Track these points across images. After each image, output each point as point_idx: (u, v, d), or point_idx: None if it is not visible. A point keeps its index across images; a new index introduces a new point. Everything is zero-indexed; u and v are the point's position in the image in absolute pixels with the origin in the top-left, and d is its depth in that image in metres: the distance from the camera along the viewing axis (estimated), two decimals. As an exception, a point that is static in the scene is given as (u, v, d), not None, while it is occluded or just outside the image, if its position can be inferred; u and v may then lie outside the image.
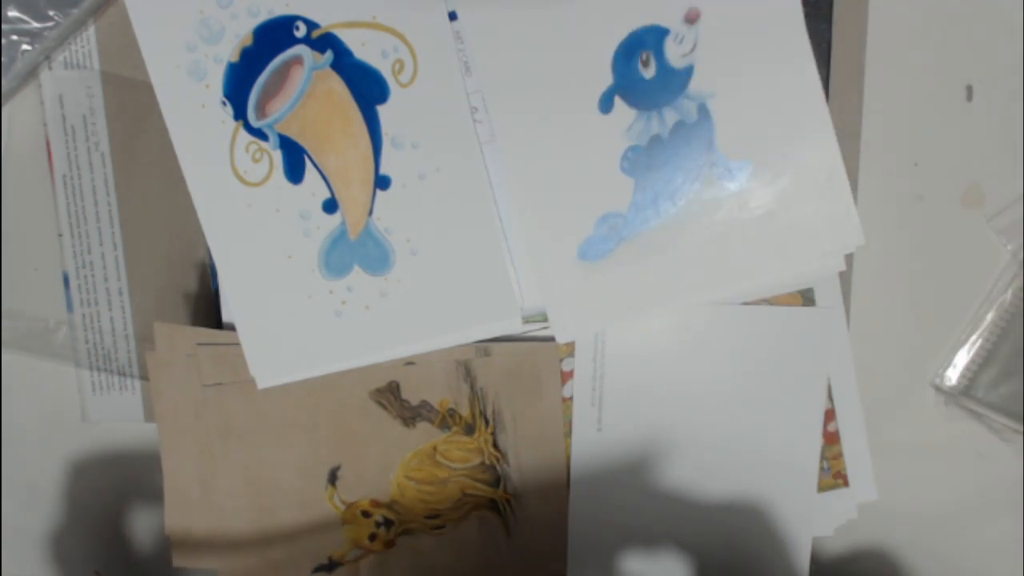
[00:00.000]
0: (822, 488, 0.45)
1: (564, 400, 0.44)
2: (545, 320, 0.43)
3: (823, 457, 0.45)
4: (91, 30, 0.43)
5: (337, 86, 0.41)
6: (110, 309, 0.45)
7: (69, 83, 0.44)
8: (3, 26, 0.41)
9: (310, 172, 0.42)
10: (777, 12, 0.39)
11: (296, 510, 0.45)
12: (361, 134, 0.41)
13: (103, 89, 0.44)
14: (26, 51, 0.42)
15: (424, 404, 0.44)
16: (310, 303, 0.43)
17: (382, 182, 0.42)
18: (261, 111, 0.41)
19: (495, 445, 0.45)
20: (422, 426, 0.44)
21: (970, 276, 0.45)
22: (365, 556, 0.46)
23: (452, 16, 0.40)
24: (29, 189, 0.45)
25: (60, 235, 0.45)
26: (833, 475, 0.45)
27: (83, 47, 0.44)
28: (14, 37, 0.41)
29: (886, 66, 0.43)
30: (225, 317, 0.44)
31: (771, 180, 0.40)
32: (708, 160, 0.40)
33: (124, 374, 0.46)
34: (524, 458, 0.45)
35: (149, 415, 0.46)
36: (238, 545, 0.46)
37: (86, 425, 0.47)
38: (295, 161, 0.42)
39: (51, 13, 0.42)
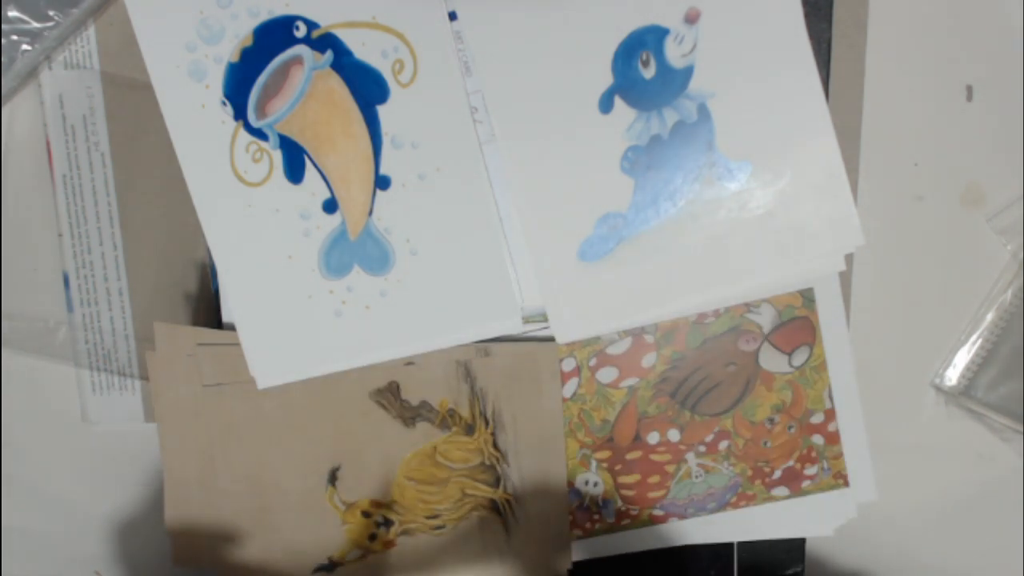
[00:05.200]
0: (822, 488, 0.45)
1: (564, 400, 0.44)
2: (545, 320, 0.43)
3: (823, 457, 0.45)
4: (91, 30, 0.43)
5: (337, 86, 0.41)
6: (110, 309, 0.45)
7: (69, 83, 0.44)
8: (3, 26, 0.41)
9: (310, 172, 0.42)
10: (777, 12, 0.39)
11: (296, 510, 0.45)
12: (361, 134, 0.41)
13: (103, 89, 0.44)
14: (26, 51, 0.42)
15: (424, 404, 0.44)
16: (310, 303, 0.43)
17: (382, 182, 0.42)
18: (261, 111, 0.41)
19: (495, 445, 0.45)
20: (422, 426, 0.44)
21: (970, 276, 0.45)
22: (365, 556, 0.46)
23: (452, 16, 0.40)
24: (29, 189, 0.45)
25: (60, 235, 0.45)
26: (833, 475, 0.45)
27: (83, 47, 0.44)
28: (14, 37, 0.41)
29: (886, 66, 0.43)
30: (225, 317, 0.44)
31: (771, 180, 0.40)
32: (708, 160, 0.40)
33: (124, 374, 0.46)
34: (524, 458, 0.45)
35: (149, 415, 0.46)
36: (238, 545, 0.46)
37: (86, 425, 0.47)
38: (295, 161, 0.42)
39: (51, 13, 0.42)
